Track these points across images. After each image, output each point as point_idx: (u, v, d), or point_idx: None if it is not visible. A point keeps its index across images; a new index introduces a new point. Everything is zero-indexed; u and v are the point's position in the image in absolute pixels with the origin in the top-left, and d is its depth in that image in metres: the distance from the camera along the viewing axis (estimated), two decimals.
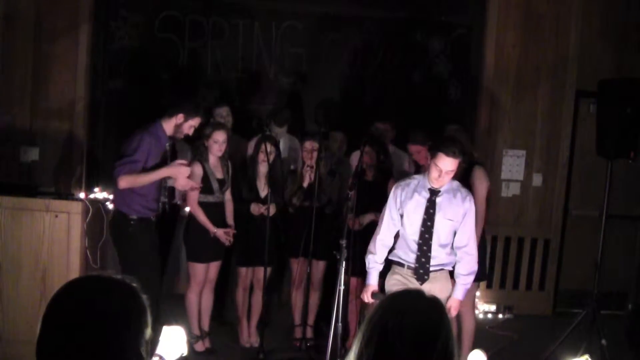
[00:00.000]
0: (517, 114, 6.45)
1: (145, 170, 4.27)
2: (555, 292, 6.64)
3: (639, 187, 6.50)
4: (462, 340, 4.65)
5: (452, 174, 3.79)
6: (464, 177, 4.60)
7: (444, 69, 6.45)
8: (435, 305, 1.67)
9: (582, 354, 4.32)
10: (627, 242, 6.61)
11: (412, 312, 1.62)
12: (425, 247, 3.83)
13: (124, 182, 4.21)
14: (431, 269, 3.85)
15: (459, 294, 3.90)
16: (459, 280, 3.91)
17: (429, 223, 3.81)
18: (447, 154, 3.68)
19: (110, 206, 4.77)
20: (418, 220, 3.84)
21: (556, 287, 6.63)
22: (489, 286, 6.42)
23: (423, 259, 3.84)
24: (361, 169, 4.65)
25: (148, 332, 1.51)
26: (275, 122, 5.49)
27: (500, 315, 6.41)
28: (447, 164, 3.69)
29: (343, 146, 5.58)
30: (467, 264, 3.91)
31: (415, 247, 3.86)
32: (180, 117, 4.35)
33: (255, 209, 4.95)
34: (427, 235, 3.82)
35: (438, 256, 3.85)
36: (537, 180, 6.53)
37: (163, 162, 4.40)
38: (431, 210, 3.81)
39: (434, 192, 3.83)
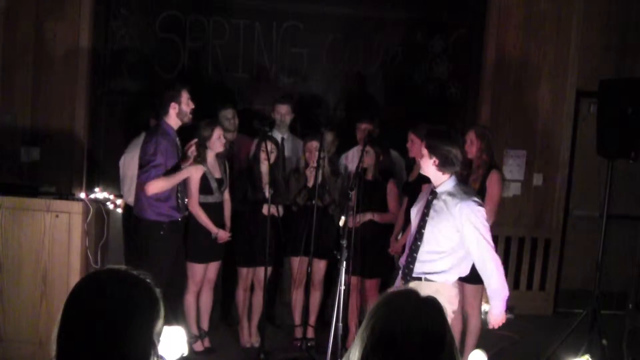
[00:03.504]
0: (517, 114, 6.45)
1: (167, 171, 4.34)
2: (556, 292, 6.64)
3: (639, 187, 6.50)
4: (466, 340, 4.66)
5: (421, 162, 3.61)
6: (482, 180, 4.60)
7: (444, 69, 6.44)
8: (435, 306, 1.68)
9: (583, 354, 4.33)
10: (628, 242, 6.60)
11: (416, 316, 1.62)
12: (413, 247, 3.63)
13: (153, 187, 4.29)
14: (414, 274, 3.61)
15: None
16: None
17: (422, 223, 3.63)
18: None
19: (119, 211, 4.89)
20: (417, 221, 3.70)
21: (557, 287, 6.63)
22: None
23: (409, 259, 3.65)
24: (362, 169, 4.65)
25: (160, 323, 1.61)
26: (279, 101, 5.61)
27: None
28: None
29: (332, 147, 5.55)
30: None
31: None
32: (174, 106, 4.43)
33: (267, 209, 4.92)
34: (417, 236, 3.63)
35: (423, 259, 3.61)
36: (537, 180, 6.53)
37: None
38: (425, 210, 3.64)
39: (432, 193, 3.65)
